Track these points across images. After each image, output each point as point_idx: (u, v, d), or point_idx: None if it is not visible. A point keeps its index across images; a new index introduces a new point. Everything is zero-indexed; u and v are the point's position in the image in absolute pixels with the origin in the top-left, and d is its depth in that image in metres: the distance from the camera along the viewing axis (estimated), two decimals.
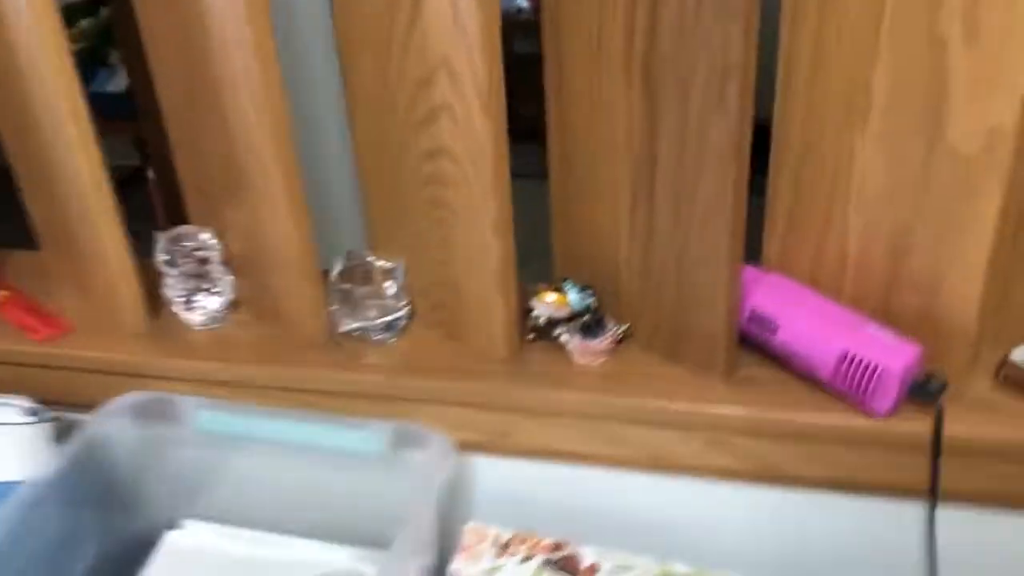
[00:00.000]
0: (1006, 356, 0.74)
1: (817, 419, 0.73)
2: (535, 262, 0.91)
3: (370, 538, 0.84)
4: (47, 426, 0.82)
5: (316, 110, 1.07)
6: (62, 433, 0.83)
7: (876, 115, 0.68)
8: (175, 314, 0.89)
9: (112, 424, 0.85)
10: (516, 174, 0.74)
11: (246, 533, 0.87)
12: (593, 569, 0.78)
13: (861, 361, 0.70)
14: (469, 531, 0.82)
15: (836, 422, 0.72)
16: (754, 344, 0.78)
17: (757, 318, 0.76)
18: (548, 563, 0.79)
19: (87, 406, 0.84)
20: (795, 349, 0.74)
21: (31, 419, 0.81)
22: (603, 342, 0.79)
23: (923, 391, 0.70)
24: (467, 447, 0.83)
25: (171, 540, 0.87)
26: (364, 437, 0.81)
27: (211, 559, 0.85)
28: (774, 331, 0.75)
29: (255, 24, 0.71)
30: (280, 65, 0.73)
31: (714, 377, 0.76)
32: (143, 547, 0.87)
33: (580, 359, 0.80)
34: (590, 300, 0.79)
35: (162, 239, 0.85)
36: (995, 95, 0.63)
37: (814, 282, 0.76)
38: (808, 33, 0.68)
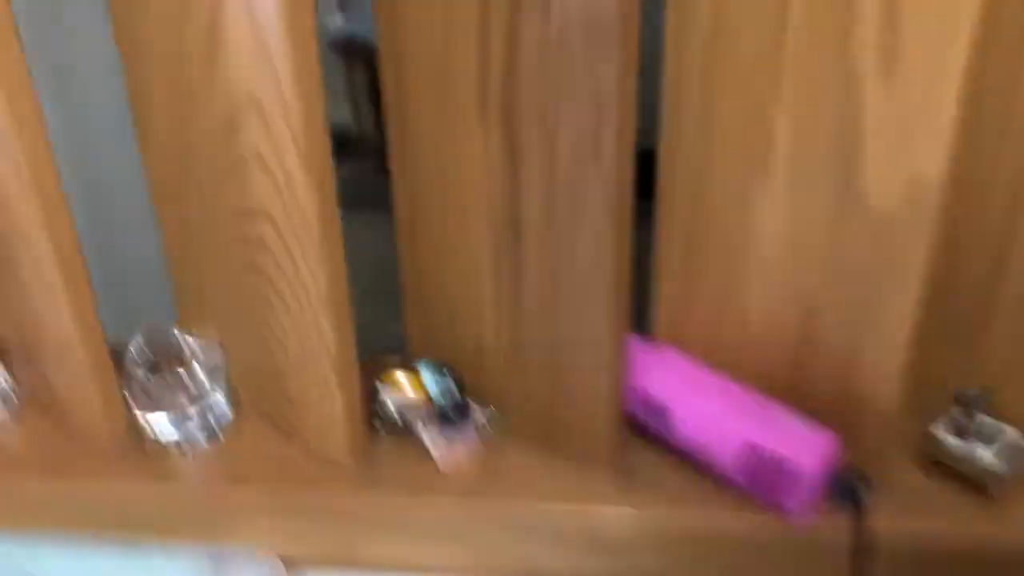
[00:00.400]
0: (927, 430, 0.64)
1: (719, 520, 0.61)
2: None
3: None
4: None
5: (110, 158, 0.90)
6: None
7: (777, 161, 0.57)
8: None
9: None
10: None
11: None
12: None
13: (767, 453, 0.59)
14: None
15: (741, 524, 0.61)
16: (645, 431, 0.66)
17: (647, 402, 0.64)
18: None
19: None
20: (692, 439, 0.62)
21: None
22: (467, 434, 0.66)
23: (848, 494, 0.59)
24: (304, 566, 0.68)
25: None
26: (175, 565, 0.65)
27: None
28: (667, 418, 0.63)
29: None
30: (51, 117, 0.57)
31: (598, 471, 0.64)
32: None
33: (441, 455, 0.66)
34: (447, 384, 0.66)
35: None
36: (916, 139, 0.53)
37: (711, 358, 0.64)
38: (695, 63, 0.56)
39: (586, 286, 0.57)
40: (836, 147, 0.55)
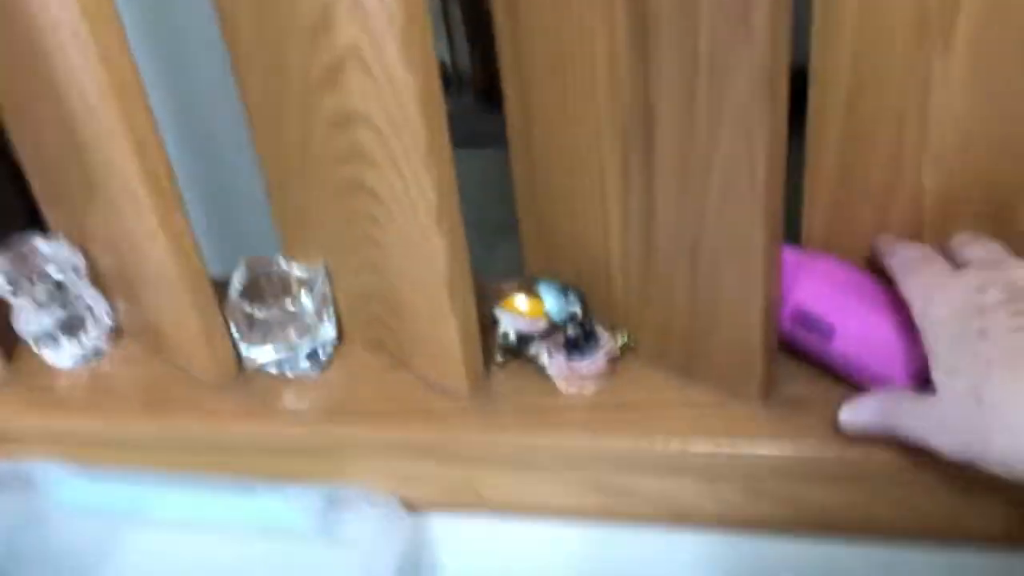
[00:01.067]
0: None
1: (891, 455, 0.53)
2: (504, 244, 0.71)
3: None
4: None
5: (209, 87, 0.86)
6: None
7: (964, 27, 0.48)
8: (36, 355, 0.68)
9: None
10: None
11: None
12: None
13: None
14: None
15: (917, 457, 0.53)
16: (800, 352, 0.58)
17: (803, 319, 0.56)
18: None
19: None
20: (857, 360, 0.54)
21: None
22: (595, 362, 0.59)
23: None
24: (423, 506, 0.63)
25: None
26: (286, 505, 0.61)
27: None
28: (828, 336, 0.55)
29: None
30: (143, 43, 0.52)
31: (748, 402, 0.57)
32: None
33: (566, 385, 0.60)
34: (575, 307, 0.59)
35: (0, 258, 0.64)
36: None
37: (876, 266, 0.56)
38: None
39: (731, 188, 0.49)
40: None
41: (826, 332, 0.55)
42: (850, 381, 0.56)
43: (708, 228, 0.52)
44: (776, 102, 0.46)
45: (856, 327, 0.54)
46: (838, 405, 0.54)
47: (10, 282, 0.64)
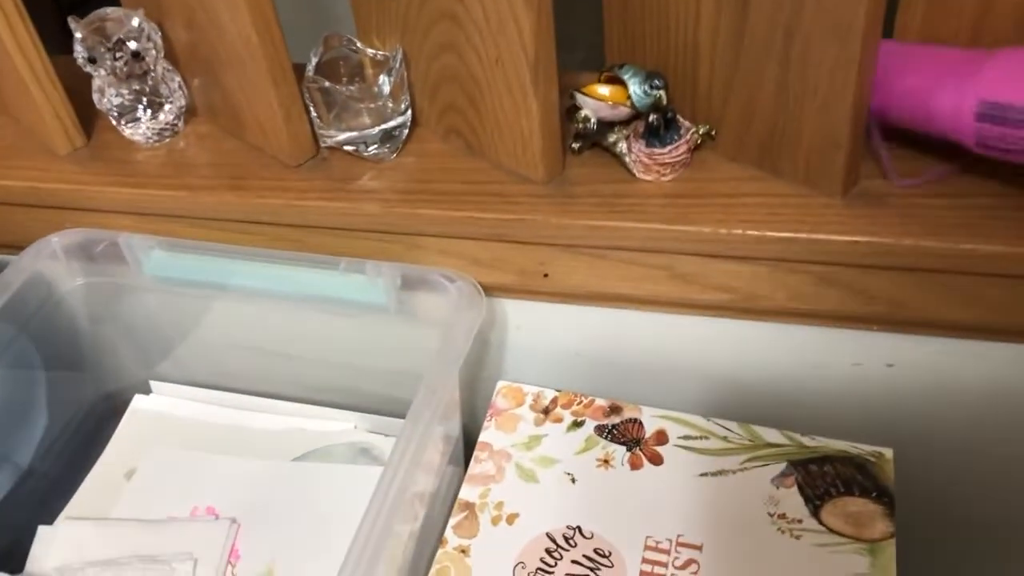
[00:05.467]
0: None
1: (964, 248, 0.53)
2: (582, 48, 0.69)
3: (378, 405, 0.68)
4: None
5: None
6: None
7: None
8: (114, 129, 0.69)
9: (50, 267, 0.67)
10: None
11: (228, 398, 0.71)
12: (659, 440, 0.62)
13: None
14: (501, 392, 0.66)
15: (1001, 248, 0.53)
16: (892, 143, 0.57)
17: (898, 107, 0.54)
18: (603, 430, 0.63)
19: (12, 246, 0.67)
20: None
21: None
22: (675, 149, 0.59)
23: None
24: (495, 290, 0.65)
25: (137, 408, 0.72)
26: (364, 282, 0.63)
27: (186, 429, 0.69)
28: (923, 126, 0.54)
29: None
30: None
31: (828, 195, 0.57)
32: (107, 414, 0.71)
33: (644, 173, 0.60)
34: (658, 93, 0.58)
35: (79, 29, 0.64)
36: None
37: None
38: None
39: None
40: None
41: (923, 120, 0.53)
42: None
43: (806, 10, 0.50)
44: None
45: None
46: (919, 202, 0.54)
47: (89, 53, 0.64)
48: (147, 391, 0.72)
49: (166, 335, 0.71)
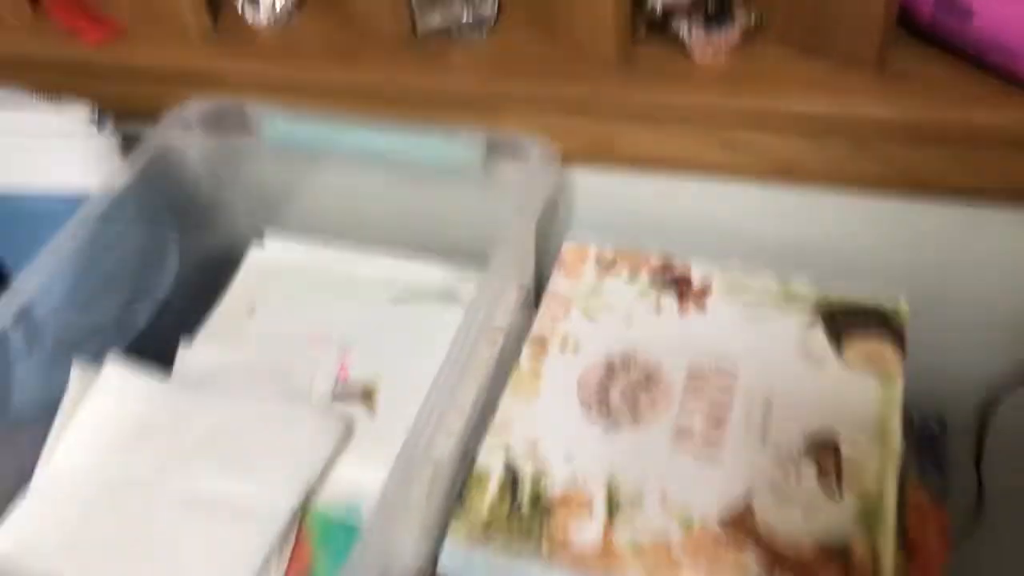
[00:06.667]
0: None
1: (992, 117, 0.61)
2: None
3: (463, 257, 0.78)
4: (111, 136, 0.76)
5: None
6: (124, 145, 0.77)
7: None
8: (238, 11, 0.79)
9: (180, 135, 0.78)
10: None
11: (332, 250, 0.82)
12: (705, 291, 0.72)
13: None
14: (569, 249, 0.76)
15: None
16: (940, 40, 0.65)
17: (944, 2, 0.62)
18: (656, 282, 0.73)
19: (147, 116, 0.78)
20: (993, 41, 0.61)
21: (95, 128, 0.74)
22: (729, 33, 0.67)
23: None
24: (566, 157, 0.75)
25: (255, 256, 0.83)
26: (456, 146, 0.73)
27: (298, 275, 0.81)
28: (967, 17, 0.61)
29: None
30: None
31: (864, 72, 0.65)
32: (225, 263, 0.83)
33: (701, 55, 0.69)
34: None
35: None
36: None
37: None
38: None
39: None
40: None
41: (965, 14, 0.61)
42: (985, 67, 0.63)
43: None
44: None
45: (997, 7, 0.60)
46: (947, 79, 0.62)
47: None
48: (261, 244, 0.84)
49: (280, 195, 0.82)
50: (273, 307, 0.78)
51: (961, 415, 0.78)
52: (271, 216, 0.83)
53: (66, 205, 0.70)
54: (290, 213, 0.83)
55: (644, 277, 0.73)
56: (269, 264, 0.82)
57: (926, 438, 0.75)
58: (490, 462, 0.61)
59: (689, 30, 0.68)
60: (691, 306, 0.71)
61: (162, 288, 0.79)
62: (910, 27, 0.66)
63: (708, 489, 0.58)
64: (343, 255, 0.81)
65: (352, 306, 0.77)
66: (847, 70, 0.65)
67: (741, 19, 0.68)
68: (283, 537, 0.62)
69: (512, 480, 0.60)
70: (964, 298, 0.73)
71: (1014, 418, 0.78)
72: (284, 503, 0.62)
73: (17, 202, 0.73)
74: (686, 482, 0.59)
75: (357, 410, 0.70)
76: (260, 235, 0.84)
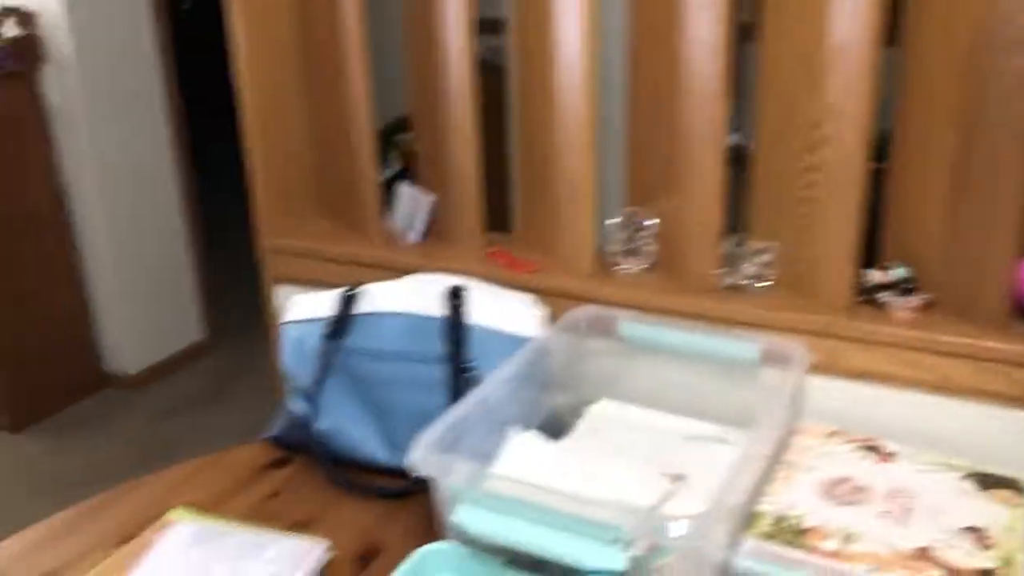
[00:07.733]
0: None
1: None
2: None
3: (736, 423, 1.25)
4: (540, 312, 1.30)
5: None
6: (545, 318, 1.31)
7: None
8: (616, 264, 1.37)
9: (558, 334, 1.31)
10: None
11: (646, 411, 1.30)
12: (893, 455, 1.15)
13: None
14: (805, 426, 1.22)
15: None
16: None
17: None
18: (860, 448, 1.17)
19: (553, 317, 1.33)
20: None
21: (537, 310, 1.28)
22: (912, 302, 1.18)
23: None
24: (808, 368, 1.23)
25: (592, 411, 1.32)
26: (744, 349, 1.22)
27: (620, 424, 1.28)
28: None
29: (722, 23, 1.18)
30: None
31: (993, 333, 1.13)
32: (573, 415, 1.32)
33: (895, 313, 1.19)
34: (907, 272, 1.19)
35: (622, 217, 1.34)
36: None
37: None
38: None
39: (1000, 216, 1.07)
40: None
41: None
42: None
43: (974, 243, 1.10)
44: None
45: None
46: None
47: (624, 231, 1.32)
48: (598, 404, 1.33)
49: (614, 375, 1.33)
50: (599, 439, 1.26)
51: None
52: (606, 389, 1.33)
53: (517, 344, 1.23)
54: (620, 387, 1.33)
55: (853, 444, 1.17)
56: (601, 416, 1.30)
57: None
58: (765, 509, 1.04)
59: (892, 299, 1.19)
60: (883, 461, 1.14)
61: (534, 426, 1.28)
62: None
63: (900, 538, 0.99)
64: (653, 414, 1.29)
65: (657, 443, 1.23)
66: (984, 331, 1.13)
67: (921, 296, 1.18)
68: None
69: (779, 516, 1.02)
70: None
71: None
72: None
73: (494, 334, 1.25)
74: (883, 532, 1.00)
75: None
76: (597, 400, 1.33)
